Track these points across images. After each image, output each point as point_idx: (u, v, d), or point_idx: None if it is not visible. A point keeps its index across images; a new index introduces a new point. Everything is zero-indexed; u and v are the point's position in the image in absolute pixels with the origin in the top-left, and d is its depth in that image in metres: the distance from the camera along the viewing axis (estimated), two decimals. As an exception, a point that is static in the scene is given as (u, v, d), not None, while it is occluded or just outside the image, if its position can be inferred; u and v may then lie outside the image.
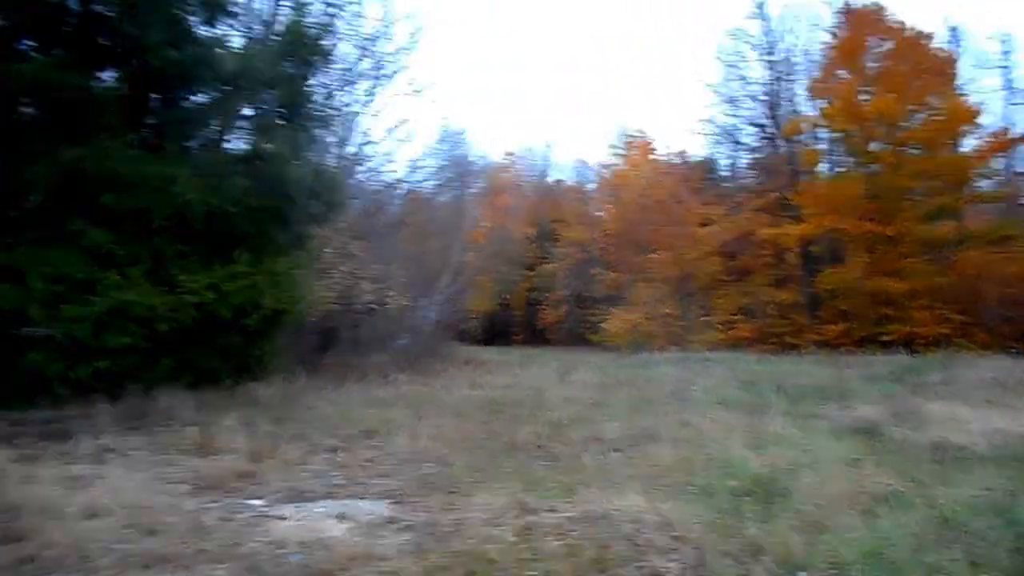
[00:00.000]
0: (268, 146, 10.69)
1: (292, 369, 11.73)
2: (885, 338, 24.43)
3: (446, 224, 24.36)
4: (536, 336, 39.19)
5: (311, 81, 12.40)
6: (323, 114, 13.00)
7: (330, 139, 15.42)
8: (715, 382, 14.79)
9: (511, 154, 45.57)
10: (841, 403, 10.82)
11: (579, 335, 34.91)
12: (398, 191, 20.47)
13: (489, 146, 71.79)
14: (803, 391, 12.80)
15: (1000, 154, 27.57)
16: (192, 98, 10.35)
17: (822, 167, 29.58)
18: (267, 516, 5.03)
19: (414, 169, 20.84)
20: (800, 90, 29.91)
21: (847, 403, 10.90)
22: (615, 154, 36.48)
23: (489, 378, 14.93)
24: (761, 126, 30.32)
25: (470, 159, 32.93)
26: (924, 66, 25.99)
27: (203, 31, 9.96)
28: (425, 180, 23.01)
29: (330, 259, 12.03)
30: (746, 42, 30.38)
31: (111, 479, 5.34)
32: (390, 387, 12.29)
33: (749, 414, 9.73)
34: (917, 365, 17.75)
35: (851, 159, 28.31)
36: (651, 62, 70.82)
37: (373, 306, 11.68)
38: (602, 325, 30.39)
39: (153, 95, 9.52)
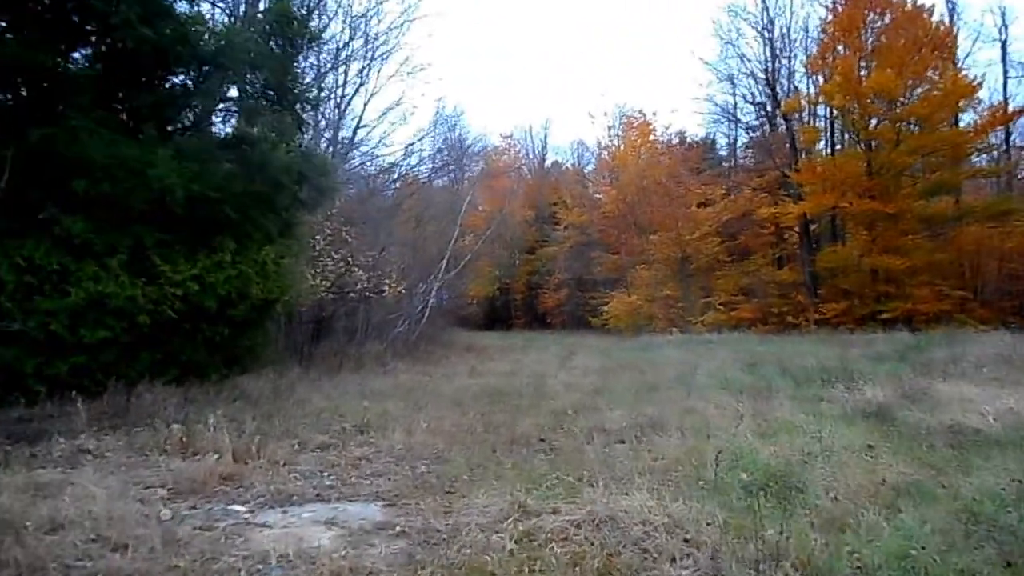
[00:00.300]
0: (254, 129, 10.20)
1: (284, 360, 11.35)
2: (886, 316, 24.16)
3: (443, 208, 23.85)
4: (537, 320, 38.87)
5: (299, 61, 11.89)
6: (312, 96, 12.49)
7: (320, 122, 14.95)
8: (719, 364, 14.44)
9: (508, 136, 44.96)
10: (848, 384, 10.44)
11: (580, 318, 34.59)
12: (393, 175, 19.95)
13: (486, 129, 70.94)
14: (808, 373, 12.44)
15: (998, 128, 27.09)
16: (172, 79, 9.83)
17: (821, 145, 29.06)
18: (249, 524, 4.65)
19: (409, 153, 20.36)
20: (799, 67, 29.39)
21: (854, 384, 10.53)
22: (614, 136, 35.86)
23: (489, 365, 14.57)
24: (760, 104, 29.76)
25: (467, 142, 32.41)
26: (923, 40, 25.40)
27: (181, 8, 9.46)
28: (421, 164, 22.45)
29: (322, 246, 11.57)
30: (744, 19, 29.79)
31: (81, 485, 4.94)
32: (387, 376, 11.93)
33: (755, 398, 9.39)
34: (920, 343, 17.42)
35: (850, 136, 27.83)
36: (648, 41, 69.76)
37: (368, 294, 11.24)
38: (603, 308, 30.04)
39: (129, 76, 8.98)
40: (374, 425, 7.71)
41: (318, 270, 10.69)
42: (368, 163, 19.40)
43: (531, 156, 46.08)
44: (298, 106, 11.14)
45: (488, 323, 39.36)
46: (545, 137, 52.13)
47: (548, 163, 46.62)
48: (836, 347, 17.67)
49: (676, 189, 30.59)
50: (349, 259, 10.95)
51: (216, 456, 5.89)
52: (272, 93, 10.57)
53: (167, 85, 9.79)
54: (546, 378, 12.13)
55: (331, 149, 17.17)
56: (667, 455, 6.20)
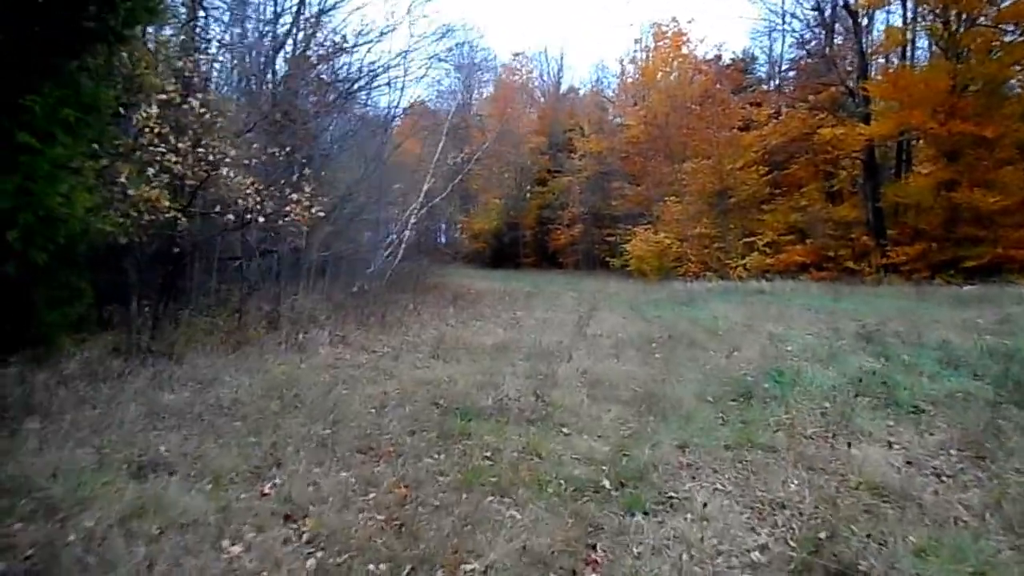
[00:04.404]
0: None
1: (127, 325, 6.33)
2: (969, 263, 18.78)
3: (430, 126, 18.19)
4: (547, 259, 33.63)
5: None
6: None
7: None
8: (811, 335, 9.33)
9: (520, 54, 38.59)
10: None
11: (596, 258, 29.33)
12: (368, 76, 14.22)
13: (497, 46, 63.38)
14: (968, 353, 7.38)
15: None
16: None
17: (894, 56, 22.85)
18: None
19: (402, 59, 14.38)
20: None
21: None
22: (642, 49, 29.63)
23: (472, 331, 9.50)
24: (821, 2, 23.39)
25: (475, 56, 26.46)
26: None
27: None
28: (410, 74, 16.53)
29: (154, 130, 6.09)
30: None
31: None
32: (289, 355, 6.90)
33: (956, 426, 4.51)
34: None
35: (932, 43, 21.61)
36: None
37: (258, 217, 6.13)
38: (624, 247, 24.70)
39: None
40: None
41: (153, 172, 5.54)
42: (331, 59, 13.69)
43: (545, 79, 39.74)
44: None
45: (495, 261, 34.20)
46: (561, 59, 45.70)
47: (564, 88, 40.25)
48: (950, 306, 12.44)
49: (714, 109, 24.67)
50: (216, 158, 5.76)
51: None
52: None
53: None
54: (557, 363, 7.07)
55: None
56: None
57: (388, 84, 14.53)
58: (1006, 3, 19.49)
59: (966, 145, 19.67)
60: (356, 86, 13.75)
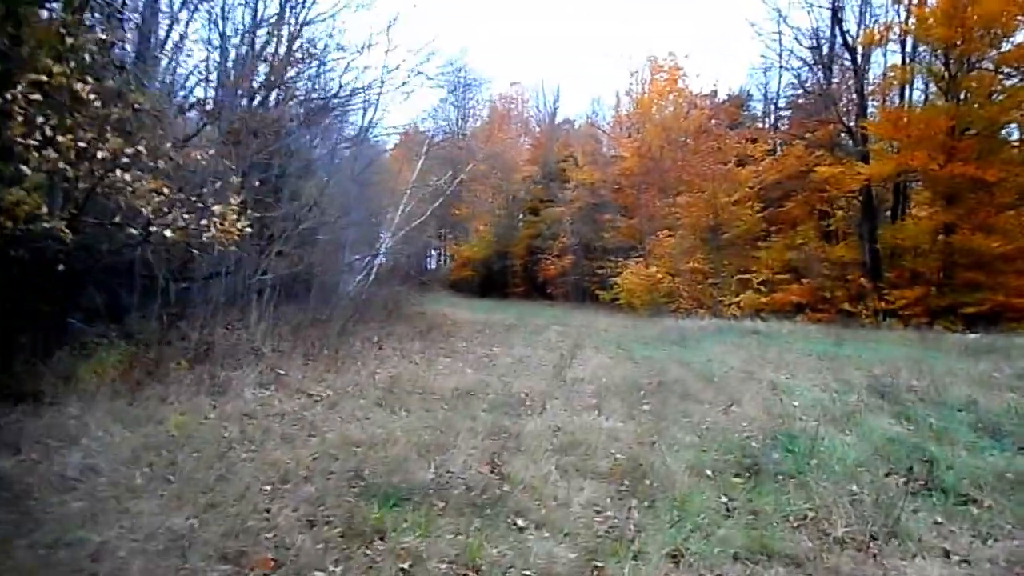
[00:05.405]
0: None
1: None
2: (969, 310, 17.76)
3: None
4: (536, 290, 32.43)
5: None
6: None
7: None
8: (815, 385, 8.20)
9: (516, 83, 37.96)
10: None
11: (585, 291, 28.20)
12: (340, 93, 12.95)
13: (494, 77, 62.88)
14: (1002, 417, 6.27)
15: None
16: None
17: (894, 94, 22.08)
18: None
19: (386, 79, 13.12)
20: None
21: None
22: (638, 82, 28.90)
23: (432, 373, 8.23)
24: (815, 45, 22.69)
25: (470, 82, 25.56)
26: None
27: None
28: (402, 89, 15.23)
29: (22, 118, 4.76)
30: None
31: None
32: (200, 399, 5.66)
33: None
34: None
35: (929, 84, 20.87)
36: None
37: (158, 230, 4.85)
38: (613, 280, 23.57)
39: None
40: None
41: (30, 170, 4.32)
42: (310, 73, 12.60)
43: (541, 109, 39.01)
44: None
45: (483, 290, 33.00)
46: (558, 90, 45.37)
47: (559, 119, 39.53)
48: (959, 357, 11.32)
49: (710, 143, 23.84)
50: (106, 157, 4.48)
51: None
52: None
53: None
54: (526, 417, 5.87)
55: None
56: None
57: (364, 99, 13.48)
58: (1007, 47, 18.86)
59: (965, 188, 18.82)
60: (334, 102, 12.66)
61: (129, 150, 4.83)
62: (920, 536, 3.62)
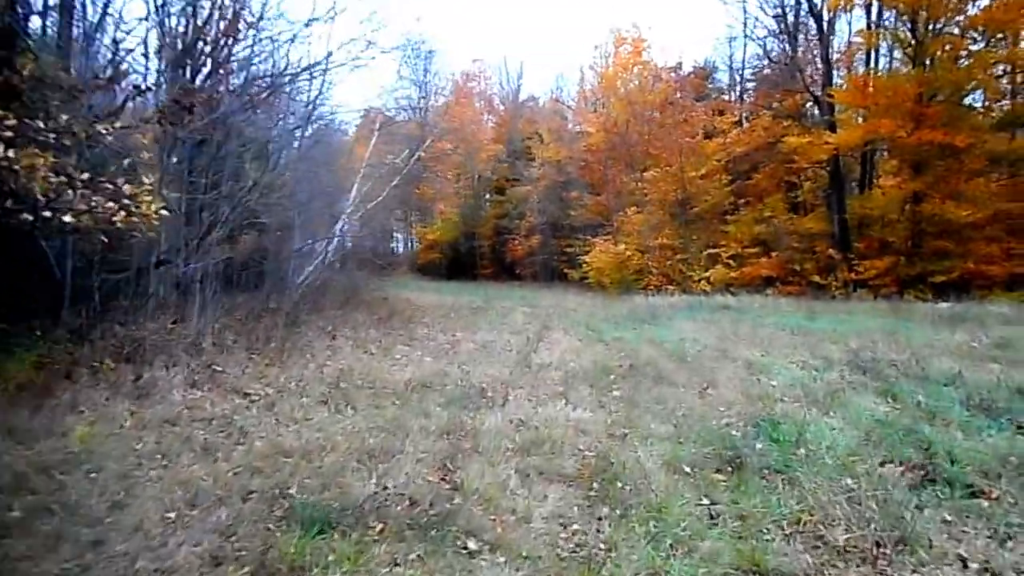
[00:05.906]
0: None
1: None
2: (939, 278, 17.78)
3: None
4: (505, 270, 31.78)
5: None
6: None
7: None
8: (792, 362, 7.80)
9: (479, 60, 36.92)
10: None
11: (554, 270, 27.69)
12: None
13: (456, 55, 61.32)
14: (993, 392, 5.91)
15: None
16: None
17: (860, 62, 21.81)
18: None
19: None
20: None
21: None
22: (602, 55, 28.21)
23: (387, 364, 7.59)
24: (785, 8, 22.23)
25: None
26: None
27: None
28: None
29: None
30: None
31: None
32: (117, 403, 4.96)
33: None
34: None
35: (906, 47, 20.55)
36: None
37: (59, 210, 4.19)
38: (582, 259, 23.09)
39: None
40: None
41: None
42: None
43: (504, 87, 38.06)
44: None
45: (451, 272, 32.27)
46: (521, 67, 44.40)
47: (523, 96, 38.63)
48: (933, 326, 11.07)
49: (676, 116, 23.35)
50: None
51: None
52: None
53: None
54: (486, 411, 5.31)
55: None
56: None
57: (310, 74, 12.47)
58: (973, 11, 18.65)
59: (933, 156, 18.69)
60: (281, 79, 11.73)
61: (10, 122, 4.06)
62: (931, 541, 3.16)
